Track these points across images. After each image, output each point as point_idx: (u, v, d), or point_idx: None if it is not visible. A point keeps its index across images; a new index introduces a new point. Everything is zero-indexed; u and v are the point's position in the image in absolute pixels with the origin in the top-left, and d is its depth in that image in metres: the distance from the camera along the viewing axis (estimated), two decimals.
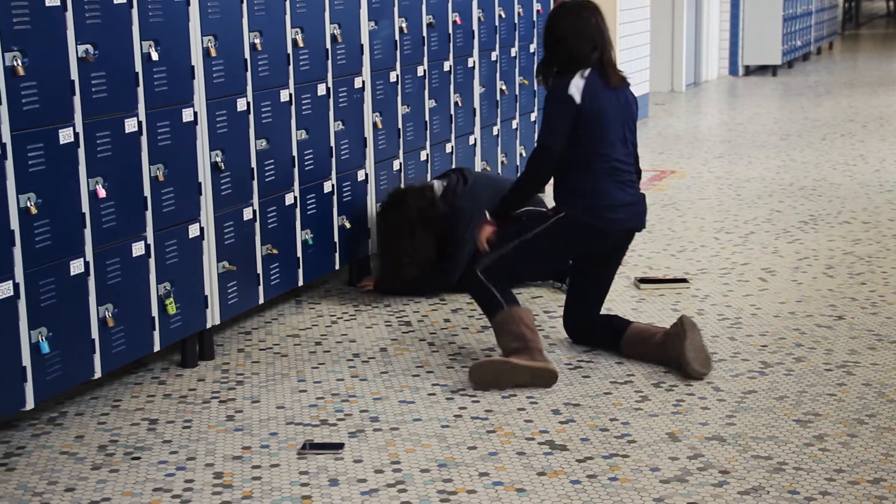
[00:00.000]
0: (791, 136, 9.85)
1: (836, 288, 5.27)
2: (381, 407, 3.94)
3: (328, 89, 5.04)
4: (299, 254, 4.91)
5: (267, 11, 4.59)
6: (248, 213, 4.56)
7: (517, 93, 6.88)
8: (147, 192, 4.03)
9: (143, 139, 3.99)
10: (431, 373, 4.27)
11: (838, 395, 3.97)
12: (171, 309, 4.15)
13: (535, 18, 7.10)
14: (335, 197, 5.14)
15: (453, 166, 6.09)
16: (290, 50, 4.75)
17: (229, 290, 4.47)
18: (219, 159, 4.37)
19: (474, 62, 6.30)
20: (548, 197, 5.15)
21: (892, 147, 9.17)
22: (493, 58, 6.54)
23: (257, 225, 4.62)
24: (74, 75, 3.68)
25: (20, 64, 3.45)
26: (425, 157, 5.86)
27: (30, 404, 3.58)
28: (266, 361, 4.44)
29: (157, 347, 4.13)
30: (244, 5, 4.45)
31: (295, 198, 4.85)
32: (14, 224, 3.48)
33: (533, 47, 7.09)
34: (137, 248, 3.99)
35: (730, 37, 14.50)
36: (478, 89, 6.37)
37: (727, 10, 14.31)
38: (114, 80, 3.84)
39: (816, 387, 4.06)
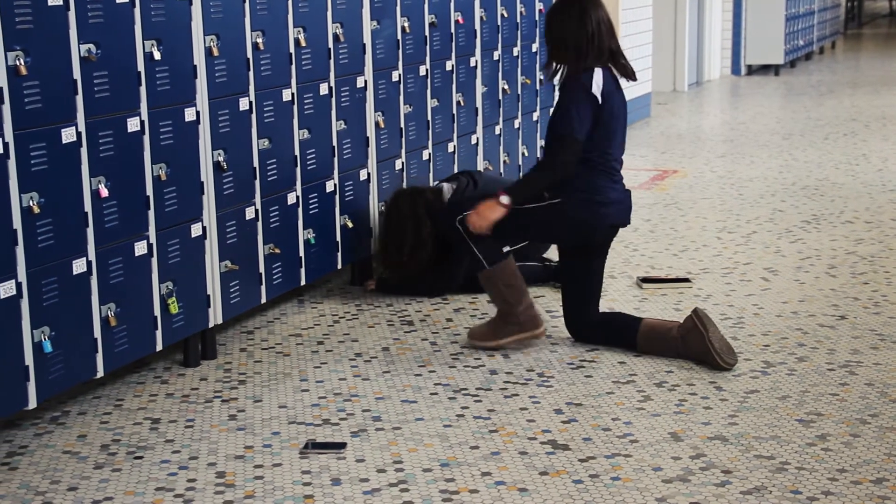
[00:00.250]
0: (793, 135, 9.85)
1: (838, 287, 5.27)
2: (383, 406, 3.95)
3: (330, 89, 5.04)
4: (301, 253, 4.91)
5: (269, 11, 4.59)
6: (250, 213, 4.56)
7: (519, 92, 6.88)
8: (149, 191, 4.03)
9: (146, 138, 4.00)
10: (434, 372, 4.27)
11: (841, 395, 3.97)
12: (174, 308, 4.15)
13: (537, 18, 7.09)
14: (337, 196, 5.14)
15: (455, 166, 6.09)
16: (292, 49, 4.75)
17: (231, 290, 4.47)
18: (221, 159, 4.37)
19: (476, 61, 6.30)
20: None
21: (894, 146, 9.16)
22: (496, 57, 6.53)
23: (259, 224, 4.62)
24: (77, 74, 3.68)
25: (23, 63, 3.45)
26: (427, 157, 5.86)
27: (32, 403, 3.58)
28: (268, 361, 4.44)
29: (159, 347, 4.13)
30: (246, 5, 4.45)
31: (297, 197, 4.85)
32: (17, 223, 3.48)
33: (535, 46, 7.09)
34: (140, 248, 4.00)
35: (732, 36, 14.49)
36: (480, 89, 6.37)
37: (730, 9, 14.30)
38: (116, 80, 3.84)
39: (819, 386, 4.06)
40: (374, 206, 5.43)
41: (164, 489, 3.35)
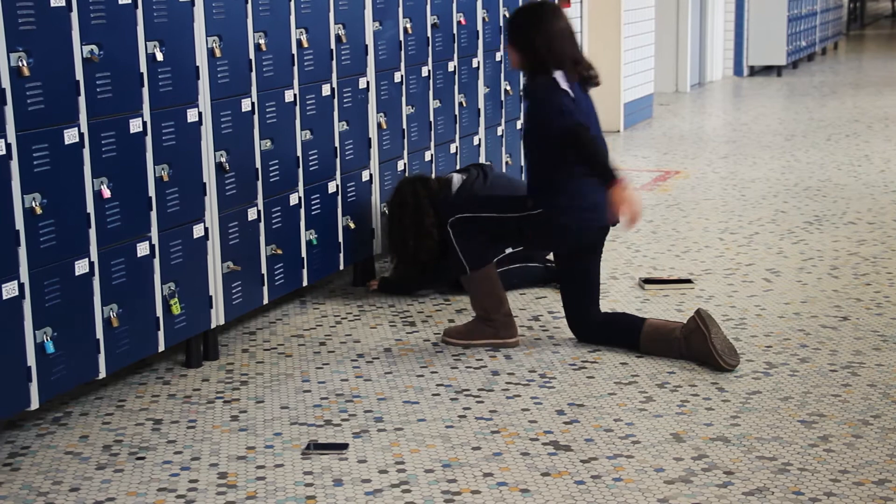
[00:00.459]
0: (796, 136, 9.84)
1: (840, 289, 5.26)
2: (385, 407, 3.95)
3: (332, 89, 5.04)
4: (304, 254, 4.91)
5: (271, 12, 4.59)
6: (252, 214, 4.57)
7: (522, 93, 6.88)
8: (152, 192, 4.03)
9: (148, 139, 4.00)
10: (436, 373, 4.27)
11: (843, 396, 3.97)
12: (176, 309, 4.16)
13: None
14: (339, 197, 5.14)
15: (458, 167, 6.09)
16: (294, 50, 4.76)
17: (234, 291, 4.47)
18: (223, 159, 4.37)
19: (479, 62, 6.30)
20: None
21: None
22: (498, 58, 6.53)
23: (262, 225, 4.62)
24: (79, 75, 3.68)
25: (25, 64, 3.45)
26: (429, 158, 5.86)
27: (34, 404, 3.59)
28: (270, 362, 4.44)
29: (161, 347, 4.13)
30: (249, 6, 4.45)
31: (299, 198, 4.86)
32: (19, 224, 3.49)
33: None
34: (142, 249, 4.00)
35: (734, 37, 14.49)
36: (482, 89, 6.37)
37: (732, 10, 14.30)
38: (119, 81, 3.84)
39: (821, 387, 4.05)
40: (377, 207, 5.43)
41: (167, 490, 3.35)
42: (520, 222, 4.41)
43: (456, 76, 6.06)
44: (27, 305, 3.53)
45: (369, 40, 5.29)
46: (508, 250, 5.25)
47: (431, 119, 5.85)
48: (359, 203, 5.29)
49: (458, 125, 6.13)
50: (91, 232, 3.77)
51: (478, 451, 3.57)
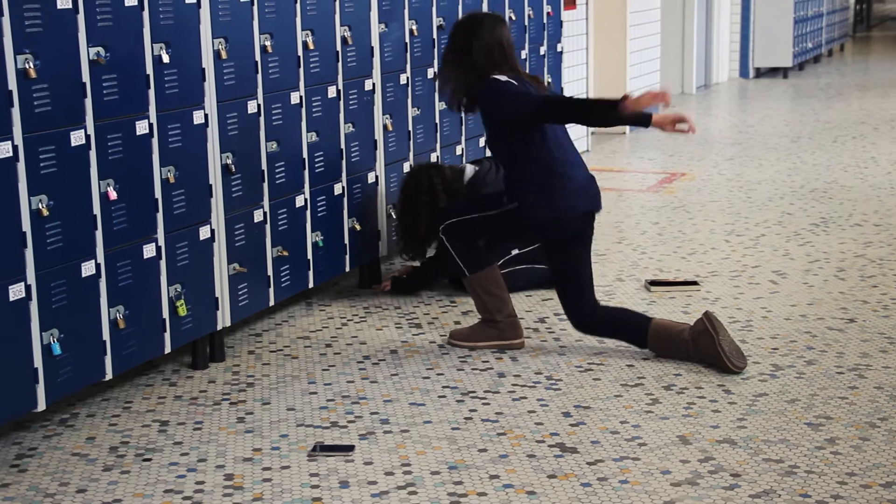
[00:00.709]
0: (802, 138, 9.83)
1: (847, 291, 5.26)
2: (391, 409, 3.95)
3: (338, 91, 5.04)
4: (310, 256, 4.91)
5: (277, 14, 4.60)
6: (258, 215, 4.57)
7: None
8: (158, 194, 4.04)
9: (154, 141, 4.00)
10: (442, 375, 4.27)
11: (850, 399, 3.96)
12: (182, 311, 4.16)
13: (545, 21, 7.09)
14: (345, 199, 5.14)
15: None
16: (300, 52, 4.76)
17: (240, 292, 4.48)
18: (229, 161, 4.37)
19: None
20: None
21: None
22: None
23: (268, 227, 4.63)
24: (86, 77, 3.69)
25: (32, 66, 3.46)
26: (435, 159, 5.86)
27: (41, 406, 3.59)
28: (276, 363, 4.44)
29: (167, 349, 4.14)
30: (254, 8, 4.46)
31: (305, 200, 4.86)
32: (26, 226, 3.49)
33: (543, 49, 7.09)
34: (148, 250, 4.00)
35: (740, 39, 14.48)
36: None
37: (738, 11, 14.29)
38: (125, 83, 3.84)
39: (828, 390, 4.05)
40: (383, 208, 5.43)
41: (173, 491, 3.35)
42: (501, 218, 4.45)
43: None
44: (34, 307, 3.53)
45: (375, 42, 5.29)
46: (515, 251, 5.25)
47: (437, 121, 5.85)
48: (365, 205, 5.29)
49: (463, 127, 6.13)
50: (97, 234, 3.78)
51: (484, 453, 3.57)
